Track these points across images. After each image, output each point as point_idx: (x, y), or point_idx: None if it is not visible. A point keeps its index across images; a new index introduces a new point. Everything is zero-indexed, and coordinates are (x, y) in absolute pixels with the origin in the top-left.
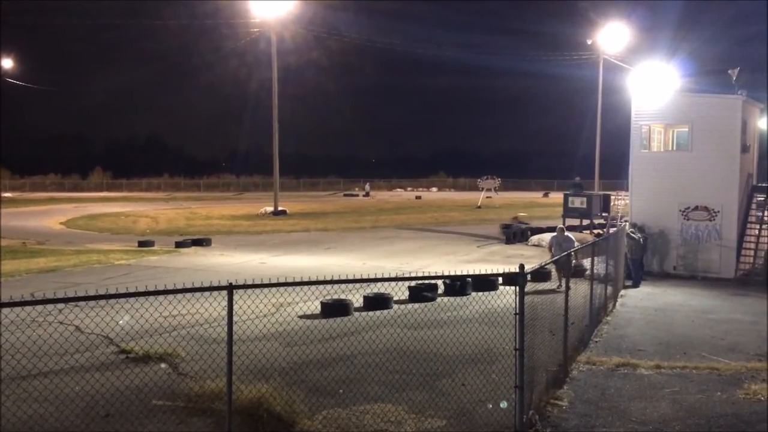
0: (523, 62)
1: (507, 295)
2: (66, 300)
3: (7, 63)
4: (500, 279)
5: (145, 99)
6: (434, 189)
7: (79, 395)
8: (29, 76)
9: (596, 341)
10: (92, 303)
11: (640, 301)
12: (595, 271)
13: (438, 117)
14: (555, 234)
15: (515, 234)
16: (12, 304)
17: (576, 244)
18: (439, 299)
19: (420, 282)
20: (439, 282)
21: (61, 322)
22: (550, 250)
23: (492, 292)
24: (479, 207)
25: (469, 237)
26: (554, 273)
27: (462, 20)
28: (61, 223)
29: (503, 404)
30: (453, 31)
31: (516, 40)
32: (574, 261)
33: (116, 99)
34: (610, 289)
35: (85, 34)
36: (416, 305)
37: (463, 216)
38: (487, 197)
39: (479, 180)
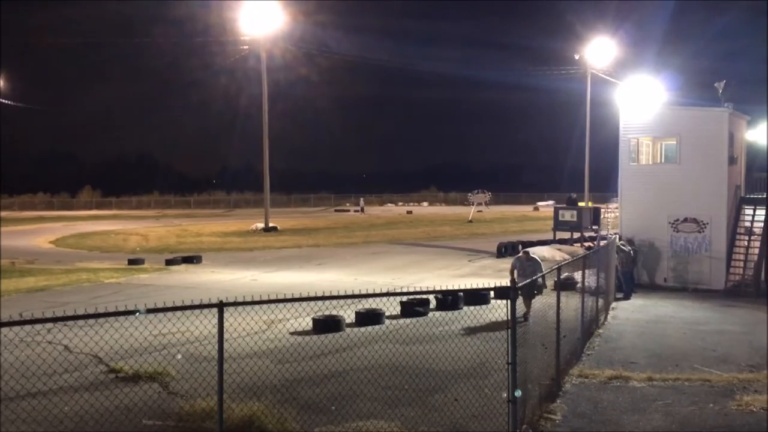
0: (513, 76)
1: (499, 308)
2: (54, 320)
3: None
4: (492, 293)
5: (134, 117)
6: (425, 203)
7: (68, 416)
8: (17, 94)
9: (588, 354)
10: (81, 322)
11: (632, 313)
12: (586, 284)
13: (429, 131)
14: (518, 256)
15: (506, 248)
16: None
17: (542, 267)
18: (431, 314)
19: (412, 297)
20: (431, 297)
21: (49, 342)
22: (512, 274)
23: (484, 306)
24: (470, 221)
25: (461, 251)
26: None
27: (452, 35)
28: (50, 242)
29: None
30: (443, 45)
31: (506, 55)
32: (552, 279)
33: (106, 117)
34: (601, 301)
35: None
36: (408, 320)
37: (455, 230)
38: (478, 211)
39: (470, 194)
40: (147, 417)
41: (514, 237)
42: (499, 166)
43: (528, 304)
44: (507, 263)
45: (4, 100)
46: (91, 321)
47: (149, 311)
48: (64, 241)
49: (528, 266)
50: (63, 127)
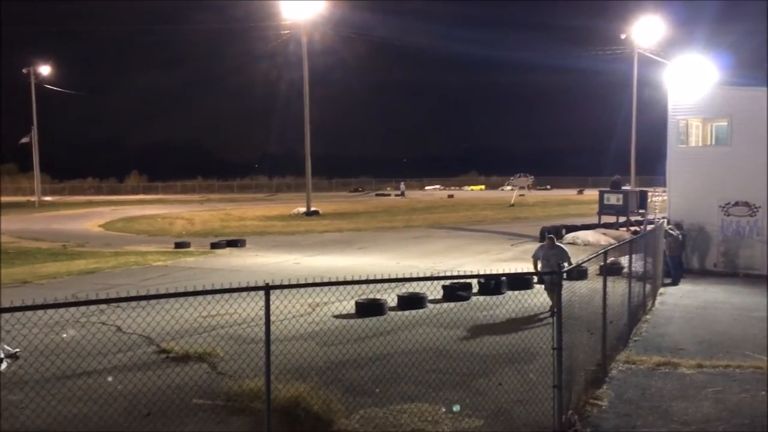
0: (555, 58)
1: (542, 293)
2: (102, 301)
3: (46, 69)
4: (535, 278)
5: (179, 103)
6: (466, 188)
7: (122, 394)
8: (68, 82)
9: (635, 340)
10: (133, 303)
11: (680, 299)
12: (633, 269)
13: (470, 115)
14: (541, 244)
15: (549, 232)
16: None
17: (569, 256)
18: (473, 298)
19: (454, 281)
20: (474, 281)
21: (102, 323)
22: (536, 265)
23: (527, 291)
24: (512, 205)
25: (503, 235)
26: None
27: (494, 17)
28: (99, 226)
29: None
30: (485, 28)
31: (548, 36)
32: (598, 264)
33: (151, 103)
34: (648, 287)
35: (121, 39)
36: (451, 304)
37: (497, 214)
38: (520, 195)
39: (512, 178)
40: (197, 396)
41: (557, 221)
42: (542, 150)
43: (557, 296)
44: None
45: (53, 87)
46: (143, 303)
47: (199, 293)
48: (113, 225)
49: (552, 255)
50: (111, 113)
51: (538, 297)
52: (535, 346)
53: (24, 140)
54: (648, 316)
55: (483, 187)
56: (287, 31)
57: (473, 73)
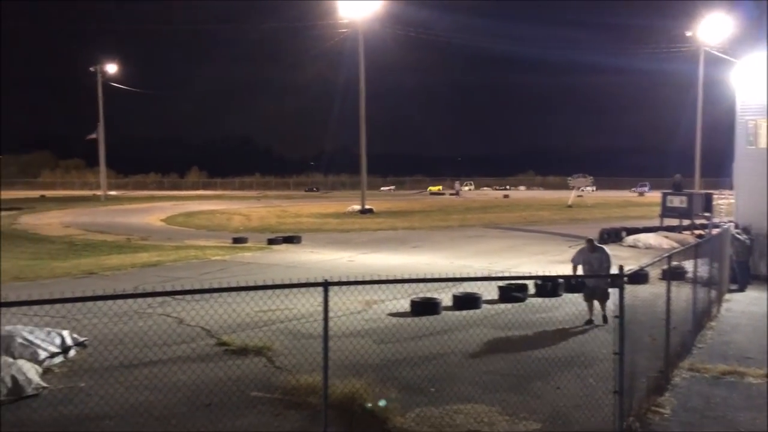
0: (617, 56)
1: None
2: (166, 293)
3: (112, 68)
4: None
5: (238, 100)
6: (522, 187)
7: (185, 384)
8: (133, 80)
9: (699, 347)
10: (196, 296)
11: (747, 306)
12: (697, 273)
13: (526, 114)
14: (581, 248)
15: (609, 234)
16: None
17: (611, 259)
18: (529, 300)
19: (510, 282)
20: (530, 282)
21: (167, 315)
22: (575, 270)
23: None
24: (570, 206)
25: (560, 236)
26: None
27: (553, 15)
28: (161, 220)
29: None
30: (543, 25)
31: (609, 34)
32: (660, 268)
33: (211, 101)
34: (714, 293)
35: (182, 39)
36: (506, 305)
37: (553, 215)
38: (578, 196)
39: (570, 178)
40: (254, 389)
41: (616, 223)
42: (601, 150)
43: (603, 305)
44: (610, 250)
45: (119, 85)
46: (205, 295)
47: (259, 288)
48: (174, 220)
49: (594, 259)
50: (173, 110)
51: (610, 296)
52: (594, 350)
53: (91, 136)
54: (713, 323)
55: (440, 187)
56: (344, 30)
57: (532, 71)
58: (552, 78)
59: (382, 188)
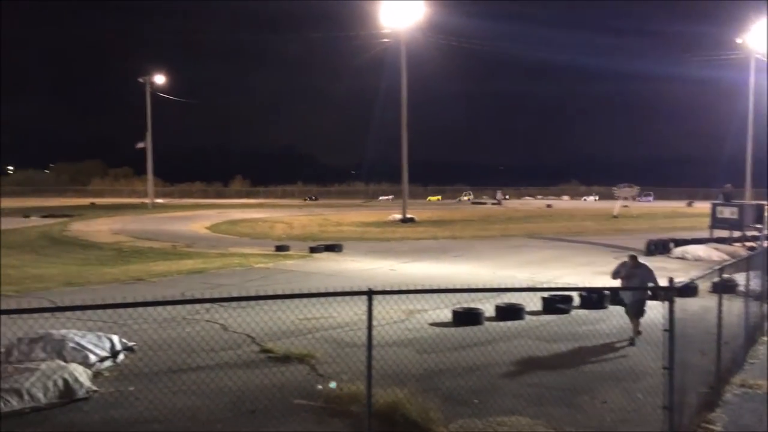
0: (664, 64)
1: (649, 309)
2: (213, 300)
3: (160, 79)
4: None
5: (281, 110)
6: (566, 197)
7: (230, 390)
8: (179, 91)
9: (752, 363)
10: (242, 303)
11: None
12: (749, 287)
13: (570, 123)
14: (623, 261)
15: (656, 245)
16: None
17: (654, 276)
18: (574, 312)
19: (554, 293)
20: (575, 294)
21: (209, 321)
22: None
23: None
24: (615, 216)
25: (605, 247)
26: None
27: (598, 23)
28: (206, 228)
29: None
30: (588, 33)
31: (656, 42)
32: (710, 281)
33: (254, 111)
34: (766, 307)
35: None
36: (550, 317)
37: (598, 226)
38: (623, 206)
39: (615, 188)
40: (297, 396)
41: (664, 234)
42: (648, 160)
43: (636, 323)
44: (658, 262)
45: (165, 95)
46: (251, 303)
47: (304, 296)
48: (218, 227)
49: (636, 274)
50: (218, 120)
51: (646, 313)
52: (642, 364)
53: (139, 145)
54: (765, 338)
55: (439, 197)
56: (386, 39)
57: (578, 79)
58: (598, 86)
59: (380, 197)
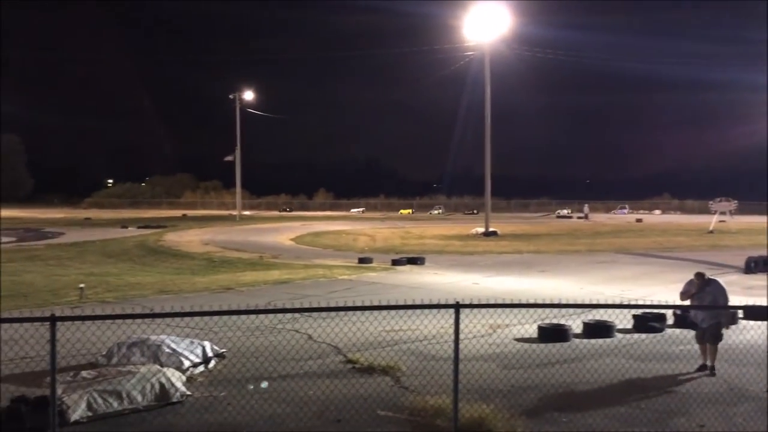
0: (761, 72)
1: (750, 330)
2: (305, 310)
3: (248, 95)
4: (740, 312)
5: (363, 124)
6: (657, 211)
7: (313, 399)
8: (265, 106)
9: None
10: (323, 314)
11: None
12: None
13: (660, 134)
14: (690, 279)
15: (756, 263)
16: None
17: (727, 294)
18: (668, 330)
19: (646, 311)
20: (668, 312)
21: (298, 331)
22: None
23: (731, 326)
24: (711, 232)
25: (700, 264)
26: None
27: (689, 31)
28: (291, 240)
29: None
30: (679, 42)
31: (750, 48)
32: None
33: (337, 124)
34: None
35: (310, 65)
36: (641, 335)
37: (692, 241)
38: (720, 221)
39: (711, 202)
40: (381, 408)
41: (765, 251)
42: (747, 173)
43: (713, 350)
44: (758, 280)
45: (253, 111)
46: (332, 313)
47: (391, 308)
48: (302, 239)
49: (708, 293)
50: (302, 133)
51: (744, 333)
52: (743, 387)
53: (228, 159)
54: None
55: (411, 210)
56: (470, 53)
57: (666, 90)
58: (692, 96)
59: (432, 210)
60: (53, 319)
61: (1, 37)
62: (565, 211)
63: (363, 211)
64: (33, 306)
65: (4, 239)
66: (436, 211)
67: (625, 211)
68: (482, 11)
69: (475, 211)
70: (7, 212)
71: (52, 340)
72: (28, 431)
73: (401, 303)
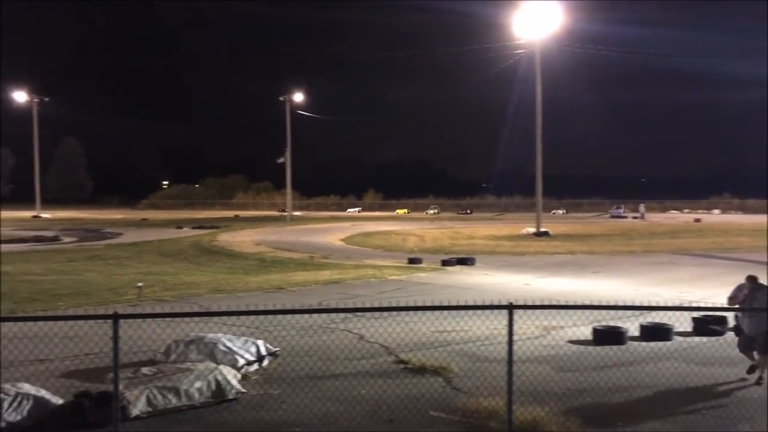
0: None
1: None
2: (363, 310)
3: (299, 97)
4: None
5: (411, 124)
6: (716, 211)
7: (365, 398)
8: (314, 107)
9: None
10: (375, 314)
11: None
12: None
13: (719, 132)
14: (740, 284)
15: None
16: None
17: None
18: (729, 334)
19: (706, 314)
20: (730, 315)
21: (349, 331)
22: (736, 317)
23: None
24: None
25: (764, 266)
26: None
27: (746, 26)
28: (340, 240)
29: None
30: (736, 37)
31: None
32: None
33: (387, 125)
34: None
35: (360, 66)
36: (702, 339)
37: (755, 242)
38: None
39: None
40: (433, 408)
41: None
42: None
43: (764, 360)
44: None
45: (303, 112)
46: (384, 314)
47: (444, 308)
48: (352, 240)
49: (759, 297)
50: (352, 134)
51: None
52: None
53: (279, 160)
54: None
55: (407, 210)
56: (521, 51)
57: (724, 88)
58: (753, 92)
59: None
60: (116, 317)
61: (62, 44)
62: (619, 211)
63: (360, 211)
64: (94, 304)
65: (67, 239)
66: (431, 211)
67: (621, 211)
68: (533, 8)
69: (468, 211)
70: (68, 213)
71: (115, 338)
72: (91, 425)
73: (452, 304)
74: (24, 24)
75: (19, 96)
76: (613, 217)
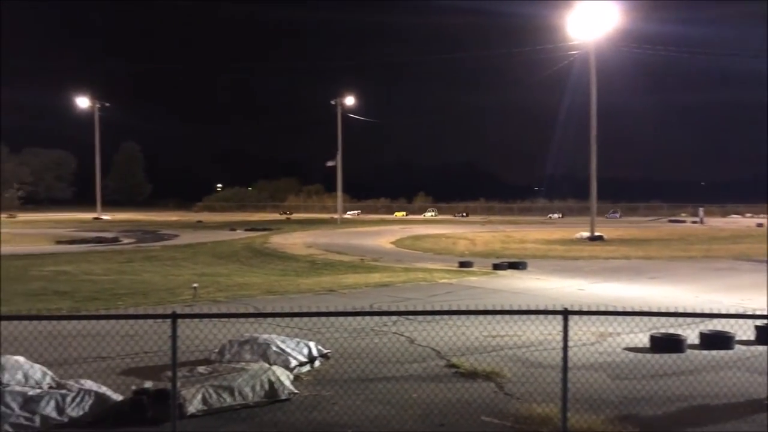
0: None
1: None
2: (414, 313)
3: (350, 101)
4: None
5: (463, 127)
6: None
7: (416, 402)
8: (365, 111)
9: None
10: (428, 318)
11: None
12: None
13: None
14: None
15: None
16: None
17: None
18: None
19: None
20: None
21: (400, 334)
22: None
23: None
24: None
25: None
26: None
27: None
28: (390, 243)
29: None
30: None
31: None
32: None
33: (437, 128)
34: None
35: (411, 69)
36: (765, 348)
37: None
38: None
39: None
40: (485, 414)
41: None
42: None
43: None
44: None
45: (354, 116)
46: (436, 317)
47: (497, 312)
48: (402, 243)
49: None
50: (402, 138)
51: None
52: None
53: (330, 164)
54: None
55: (404, 213)
56: (575, 52)
57: None
58: None
59: (607, 215)
60: (174, 317)
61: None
62: (615, 215)
63: (358, 213)
64: (152, 303)
65: (126, 240)
66: (429, 214)
67: (617, 215)
68: (588, 8)
69: (464, 214)
70: (127, 215)
71: (173, 337)
72: (149, 421)
73: (503, 308)
74: (89, 32)
75: (82, 102)
76: (667, 221)
